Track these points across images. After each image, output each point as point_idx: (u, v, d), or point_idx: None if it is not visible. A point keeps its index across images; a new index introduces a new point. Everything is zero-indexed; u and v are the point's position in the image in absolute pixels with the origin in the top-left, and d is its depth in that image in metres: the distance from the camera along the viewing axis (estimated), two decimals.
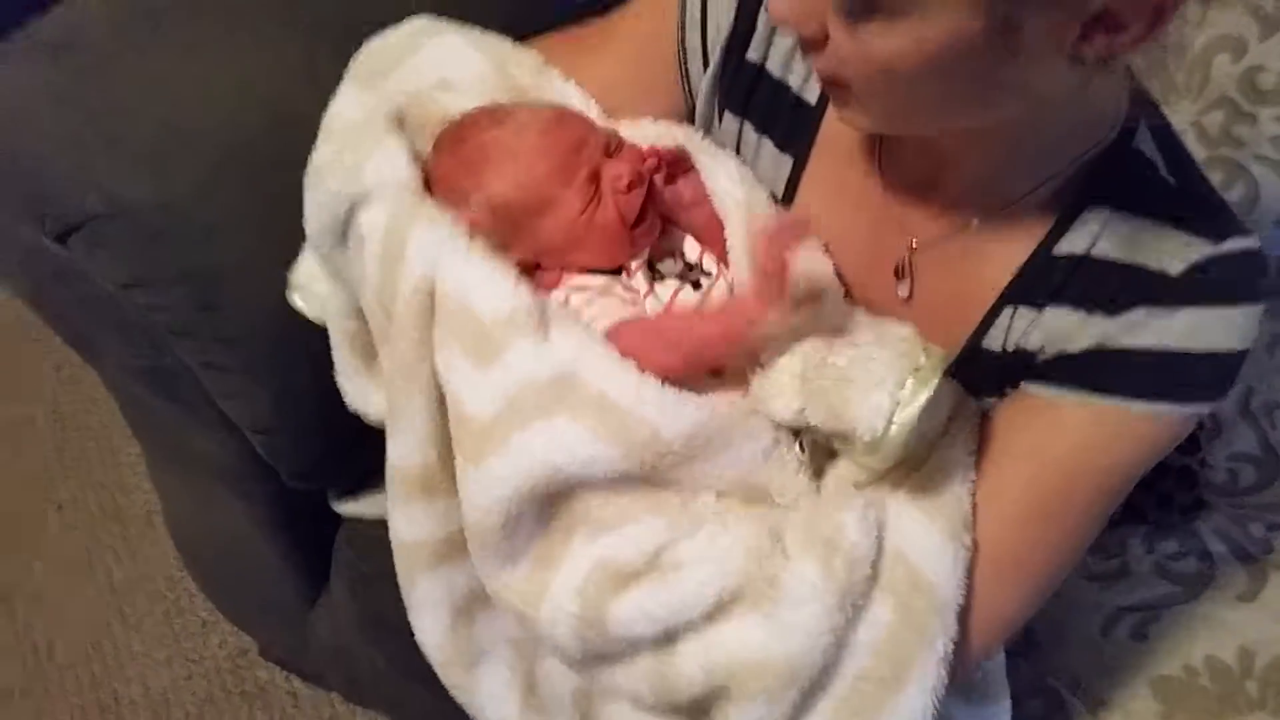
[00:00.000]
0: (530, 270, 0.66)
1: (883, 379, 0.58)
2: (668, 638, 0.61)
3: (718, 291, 0.67)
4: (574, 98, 0.72)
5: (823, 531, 0.61)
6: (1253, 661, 0.81)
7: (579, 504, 0.63)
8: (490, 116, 0.67)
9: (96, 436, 1.51)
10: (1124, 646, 0.86)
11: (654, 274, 0.68)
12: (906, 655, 0.60)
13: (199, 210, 0.71)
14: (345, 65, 0.77)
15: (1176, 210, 0.59)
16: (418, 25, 0.73)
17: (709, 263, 0.69)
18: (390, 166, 0.65)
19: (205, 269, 0.72)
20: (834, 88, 0.56)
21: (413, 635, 0.74)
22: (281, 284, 0.75)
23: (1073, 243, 0.61)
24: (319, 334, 0.78)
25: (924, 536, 0.61)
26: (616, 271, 0.68)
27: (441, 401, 0.64)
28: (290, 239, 0.75)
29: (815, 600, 0.58)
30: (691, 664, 0.61)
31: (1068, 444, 0.61)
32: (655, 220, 0.67)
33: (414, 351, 0.63)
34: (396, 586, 0.84)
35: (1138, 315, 0.58)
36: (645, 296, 0.66)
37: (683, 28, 0.70)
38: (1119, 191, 0.60)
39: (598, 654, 0.63)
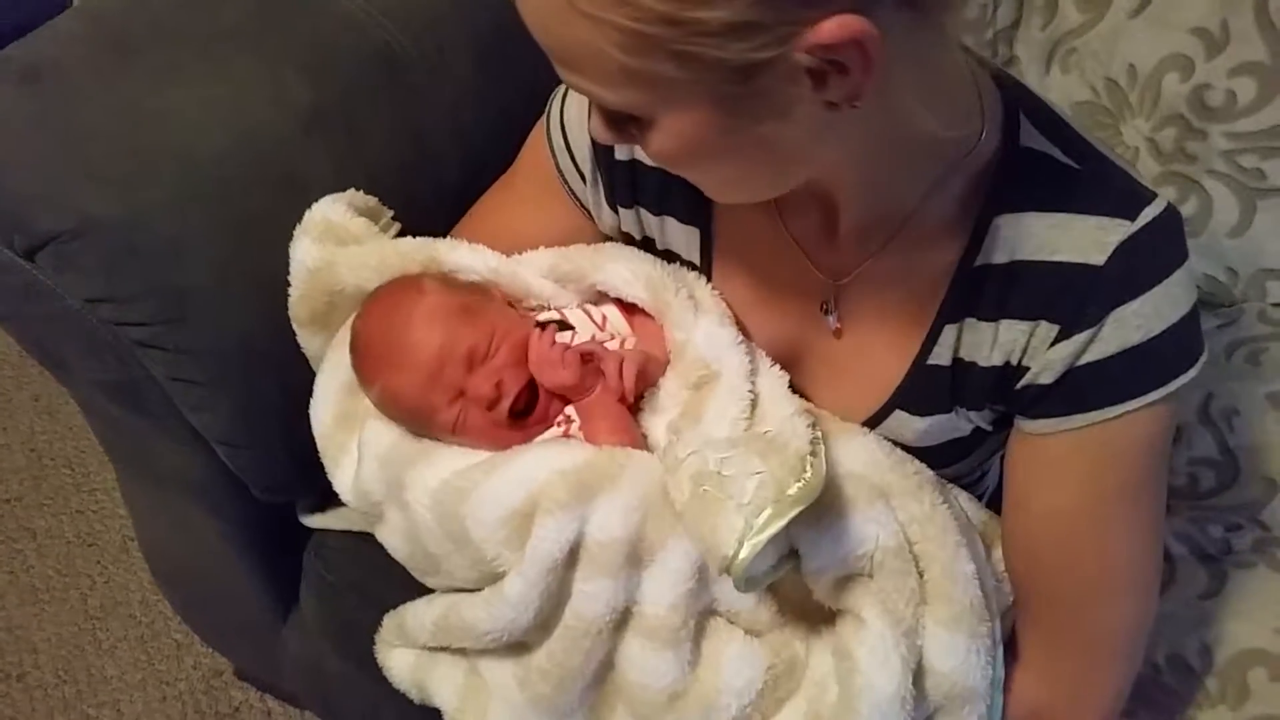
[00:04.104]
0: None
1: (746, 499, 0.58)
2: None
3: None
4: (464, 255, 0.76)
5: None
6: (1212, 658, 0.82)
7: None
8: (392, 300, 0.74)
9: (72, 464, 1.51)
10: None
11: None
12: None
13: (166, 226, 0.73)
14: (310, 88, 0.80)
15: (1085, 195, 0.59)
16: (309, 253, 0.76)
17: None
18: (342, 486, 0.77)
19: (172, 284, 0.73)
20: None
21: None
22: (248, 297, 0.76)
23: (992, 254, 0.61)
24: (286, 347, 0.79)
25: (951, 648, 0.64)
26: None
27: None
28: (256, 254, 0.77)
29: None
30: None
31: (1088, 459, 0.62)
32: (549, 402, 0.71)
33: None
34: (363, 596, 0.85)
35: (1087, 332, 0.59)
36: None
37: (554, 157, 0.76)
38: (1024, 194, 0.60)
39: None
